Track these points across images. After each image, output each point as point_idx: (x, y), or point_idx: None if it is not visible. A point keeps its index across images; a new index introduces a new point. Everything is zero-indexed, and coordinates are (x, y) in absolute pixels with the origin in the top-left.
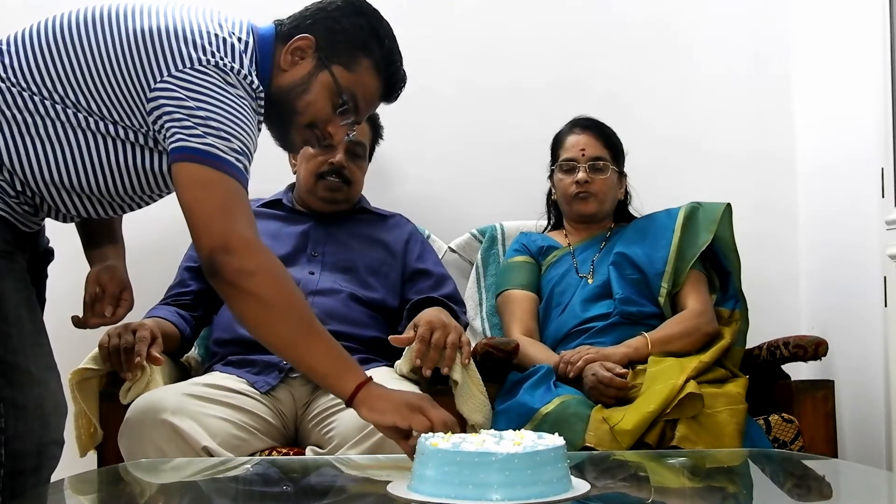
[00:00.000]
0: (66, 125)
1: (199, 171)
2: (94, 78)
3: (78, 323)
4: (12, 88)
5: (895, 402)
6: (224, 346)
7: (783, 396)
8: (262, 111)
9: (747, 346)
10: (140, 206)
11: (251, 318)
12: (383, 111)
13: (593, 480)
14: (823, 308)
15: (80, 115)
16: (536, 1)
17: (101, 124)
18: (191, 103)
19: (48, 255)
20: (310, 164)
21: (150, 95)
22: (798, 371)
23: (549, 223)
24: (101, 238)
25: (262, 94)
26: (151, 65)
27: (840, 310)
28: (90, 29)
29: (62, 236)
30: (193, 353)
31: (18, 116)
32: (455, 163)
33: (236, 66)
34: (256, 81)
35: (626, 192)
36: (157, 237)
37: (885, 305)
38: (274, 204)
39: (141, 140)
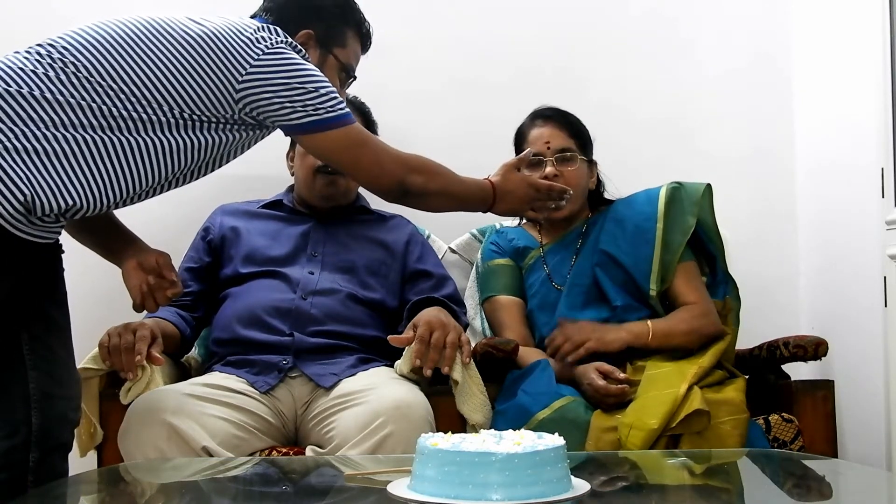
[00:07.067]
0: (155, 128)
1: (336, 134)
2: (175, 81)
3: (159, 303)
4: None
5: (895, 402)
6: (223, 347)
7: (783, 396)
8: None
9: (747, 347)
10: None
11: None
12: (383, 111)
13: (593, 480)
14: (823, 308)
15: (164, 116)
16: None
17: (182, 121)
18: (288, 82)
19: None
20: (307, 160)
21: (238, 87)
22: (798, 371)
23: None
24: (121, 235)
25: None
26: (227, 62)
27: (840, 310)
28: (155, 37)
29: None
30: (193, 353)
31: (97, 140)
32: (454, 162)
33: (280, 37)
34: (293, 41)
35: (599, 180)
36: (157, 238)
37: (885, 305)
38: (275, 205)
39: (222, 126)
